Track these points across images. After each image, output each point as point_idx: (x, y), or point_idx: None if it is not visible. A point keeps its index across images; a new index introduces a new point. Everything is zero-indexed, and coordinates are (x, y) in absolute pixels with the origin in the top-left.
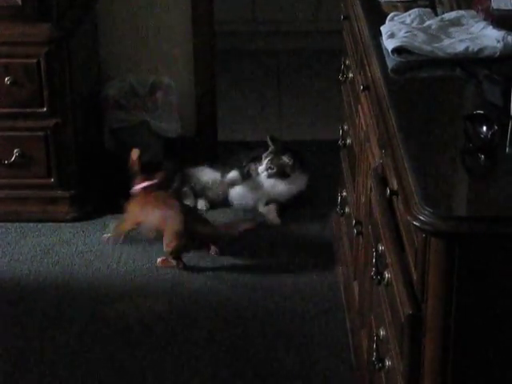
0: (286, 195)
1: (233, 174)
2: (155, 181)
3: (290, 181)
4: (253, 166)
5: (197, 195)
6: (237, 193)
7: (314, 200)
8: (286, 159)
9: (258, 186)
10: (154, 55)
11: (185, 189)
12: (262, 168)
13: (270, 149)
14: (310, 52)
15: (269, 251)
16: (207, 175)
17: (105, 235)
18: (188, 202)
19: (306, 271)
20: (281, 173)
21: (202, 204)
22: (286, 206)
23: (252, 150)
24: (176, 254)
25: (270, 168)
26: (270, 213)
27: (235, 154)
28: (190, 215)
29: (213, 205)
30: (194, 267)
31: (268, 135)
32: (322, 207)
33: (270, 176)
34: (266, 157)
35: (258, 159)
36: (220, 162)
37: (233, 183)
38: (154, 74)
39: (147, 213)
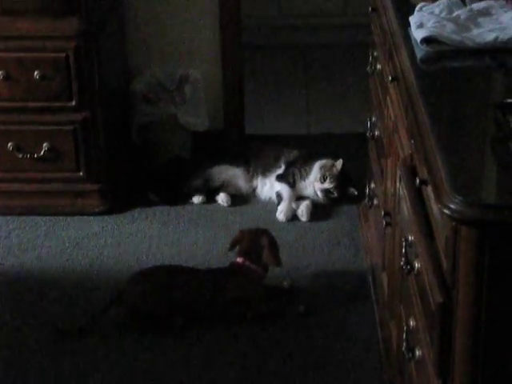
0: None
1: (284, 190)
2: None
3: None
4: (297, 172)
5: (214, 191)
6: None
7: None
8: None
9: (301, 191)
10: (181, 49)
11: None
12: (319, 186)
13: (334, 174)
14: (336, 46)
15: (297, 246)
16: (227, 172)
17: None
18: (196, 198)
19: (333, 264)
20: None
21: (222, 198)
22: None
23: (277, 148)
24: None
25: (330, 193)
26: (301, 208)
27: (261, 151)
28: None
29: (234, 200)
30: None
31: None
32: (350, 200)
33: (325, 198)
34: (330, 181)
35: (296, 164)
36: (243, 158)
37: (281, 197)
38: (181, 67)
39: None
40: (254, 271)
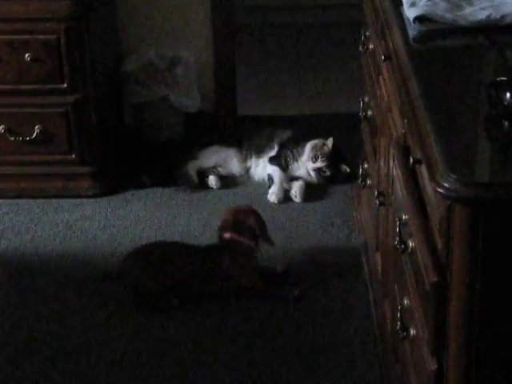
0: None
1: (275, 172)
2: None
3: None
4: (289, 154)
5: (205, 174)
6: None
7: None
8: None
9: (293, 172)
10: (173, 30)
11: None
12: (312, 165)
13: (326, 153)
14: (328, 26)
15: (290, 227)
16: (219, 153)
17: None
18: (192, 180)
19: (327, 245)
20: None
21: (211, 181)
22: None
23: (271, 129)
24: None
25: (323, 172)
26: (294, 189)
27: (256, 133)
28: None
29: (227, 181)
30: None
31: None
32: (343, 181)
33: (319, 178)
34: (322, 160)
35: (288, 145)
36: (236, 139)
37: (272, 180)
38: (173, 48)
39: None
40: (245, 244)
